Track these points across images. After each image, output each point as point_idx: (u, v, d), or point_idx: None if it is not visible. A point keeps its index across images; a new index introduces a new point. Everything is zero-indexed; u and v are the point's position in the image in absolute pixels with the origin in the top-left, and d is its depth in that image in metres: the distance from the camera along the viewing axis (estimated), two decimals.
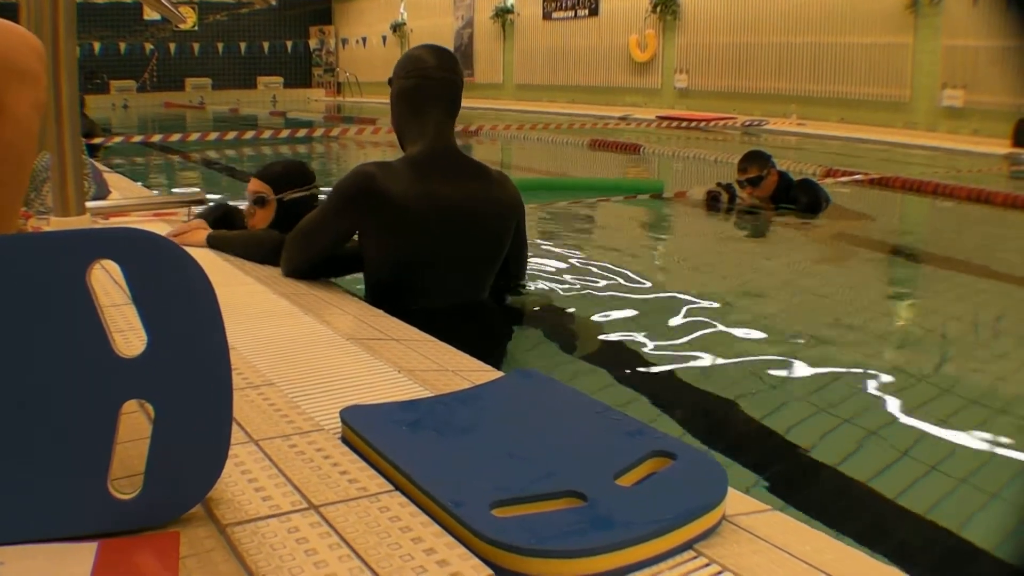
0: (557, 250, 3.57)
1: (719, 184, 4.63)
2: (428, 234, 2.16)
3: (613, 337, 2.42)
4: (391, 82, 2.31)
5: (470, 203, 2.20)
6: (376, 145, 9.92)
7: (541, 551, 0.87)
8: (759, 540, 0.96)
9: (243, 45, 20.55)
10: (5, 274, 0.91)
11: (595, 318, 2.58)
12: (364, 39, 21.35)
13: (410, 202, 2.14)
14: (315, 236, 2.28)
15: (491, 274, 2.34)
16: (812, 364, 2.22)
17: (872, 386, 2.09)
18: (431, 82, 2.23)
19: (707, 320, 2.39)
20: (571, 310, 2.60)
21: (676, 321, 2.43)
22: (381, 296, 2.26)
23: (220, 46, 20.55)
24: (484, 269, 2.31)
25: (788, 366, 2.22)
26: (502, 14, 17.75)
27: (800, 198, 4.40)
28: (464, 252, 2.23)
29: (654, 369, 2.18)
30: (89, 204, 2.82)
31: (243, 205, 2.74)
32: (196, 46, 20.56)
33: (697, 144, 9.20)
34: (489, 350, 2.01)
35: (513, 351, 2.21)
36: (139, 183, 4.95)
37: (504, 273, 2.43)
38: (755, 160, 4.52)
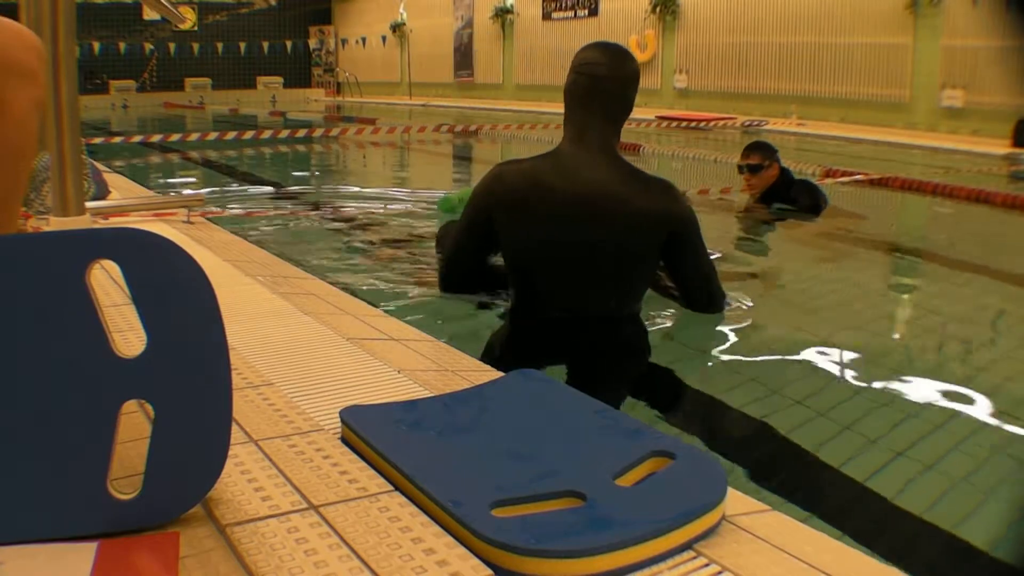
0: None
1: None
2: (544, 230, 2.12)
3: None
4: None
5: (589, 207, 2.08)
6: (376, 145, 9.92)
7: (541, 551, 0.87)
8: (759, 540, 0.96)
9: (243, 45, 20.53)
10: (5, 274, 0.91)
11: None
12: (364, 39, 21.34)
13: (526, 200, 2.11)
14: (456, 231, 2.29)
15: (618, 285, 2.18)
16: (811, 364, 2.22)
17: (871, 386, 2.09)
18: (586, 79, 2.16)
19: (706, 320, 2.39)
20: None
21: (675, 321, 2.42)
22: (516, 302, 2.25)
23: (220, 46, 20.54)
24: (604, 279, 2.16)
25: (787, 366, 2.23)
26: (502, 14, 17.74)
27: (800, 199, 4.39)
28: (576, 254, 2.12)
29: (653, 370, 2.17)
30: (89, 204, 2.82)
31: None
32: (196, 46, 20.55)
33: (697, 144, 9.20)
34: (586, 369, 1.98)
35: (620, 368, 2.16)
36: (139, 183, 4.95)
37: (671, 293, 2.36)
38: (760, 149, 4.49)
